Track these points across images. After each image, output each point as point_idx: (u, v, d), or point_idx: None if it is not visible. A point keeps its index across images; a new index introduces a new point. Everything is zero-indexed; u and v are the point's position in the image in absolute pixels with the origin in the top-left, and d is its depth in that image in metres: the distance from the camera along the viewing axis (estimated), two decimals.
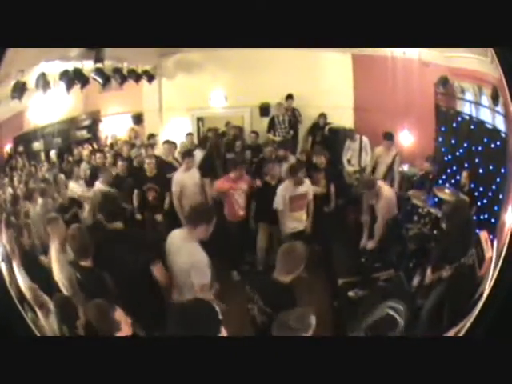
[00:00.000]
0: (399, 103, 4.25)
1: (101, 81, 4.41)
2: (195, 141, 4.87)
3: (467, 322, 3.33)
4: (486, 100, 3.99)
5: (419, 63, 4.13)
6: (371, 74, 4.54)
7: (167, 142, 4.83)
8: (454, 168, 4.45)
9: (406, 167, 4.75)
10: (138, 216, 4.74)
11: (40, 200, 4.37)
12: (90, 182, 4.69)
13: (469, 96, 4.27)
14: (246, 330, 3.93)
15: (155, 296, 4.11)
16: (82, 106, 4.73)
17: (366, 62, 4.41)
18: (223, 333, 2.99)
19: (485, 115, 4.07)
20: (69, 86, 4.29)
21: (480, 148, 4.24)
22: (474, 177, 4.27)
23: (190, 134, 4.85)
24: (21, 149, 4.36)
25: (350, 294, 4.41)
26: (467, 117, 4.32)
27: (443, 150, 4.54)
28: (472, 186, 4.25)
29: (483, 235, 3.80)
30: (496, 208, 3.80)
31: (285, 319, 3.33)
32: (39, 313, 3.68)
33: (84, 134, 4.90)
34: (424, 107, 4.46)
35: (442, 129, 4.52)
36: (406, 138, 4.46)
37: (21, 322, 3.34)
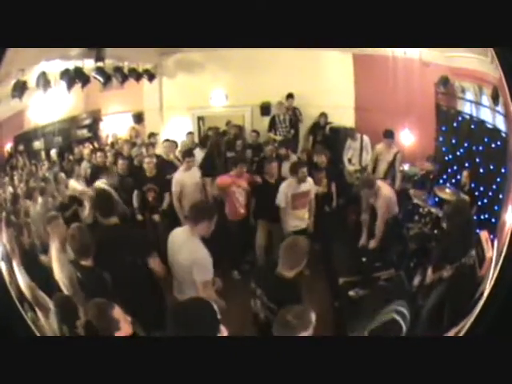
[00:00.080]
0: (400, 103, 4.25)
1: (102, 80, 4.42)
2: (196, 140, 4.87)
3: (468, 322, 3.33)
4: (486, 100, 3.99)
5: (420, 63, 4.14)
6: (372, 74, 4.54)
7: (167, 140, 4.84)
8: (455, 168, 4.46)
9: (406, 167, 4.75)
10: (139, 216, 4.74)
11: (40, 199, 4.37)
12: (90, 181, 4.69)
13: (469, 96, 4.27)
14: (247, 328, 3.94)
15: (154, 294, 4.12)
16: (83, 105, 4.74)
17: (367, 61, 4.41)
18: (223, 332, 2.98)
19: (485, 115, 4.07)
20: (69, 85, 4.29)
21: (480, 148, 4.24)
22: (475, 176, 4.27)
23: (190, 133, 4.86)
24: (21, 148, 4.35)
25: (351, 293, 4.41)
26: (468, 116, 4.32)
27: (444, 149, 4.54)
28: (472, 185, 4.26)
29: (484, 235, 3.80)
30: (496, 208, 3.80)
31: (285, 316, 3.33)
32: (39, 312, 3.68)
33: (85, 132, 4.90)
34: (425, 107, 4.46)
35: (443, 128, 4.52)
36: (407, 138, 4.46)
37: (21, 322, 3.34)
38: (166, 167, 4.79)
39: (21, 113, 4.21)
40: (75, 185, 4.61)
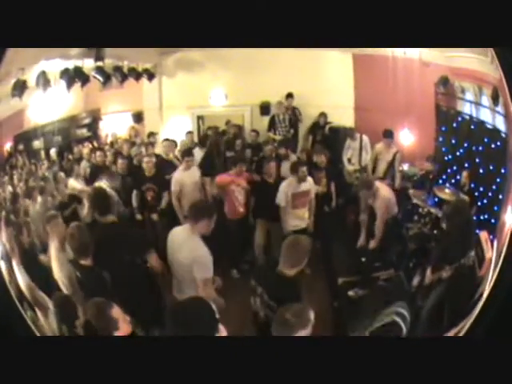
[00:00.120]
0: (400, 103, 4.25)
1: (101, 79, 4.41)
2: (195, 139, 4.86)
3: (467, 323, 3.34)
4: (486, 100, 3.99)
5: (420, 63, 4.13)
6: (372, 74, 4.53)
7: (167, 139, 4.83)
8: (454, 168, 4.45)
9: (406, 167, 4.75)
10: (139, 216, 4.74)
11: (39, 198, 4.37)
12: (89, 180, 4.69)
13: (469, 96, 4.26)
14: (246, 327, 3.94)
15: (154, 294, 4.13)
16: (83, 105, 4.73)
17: (367, 61, 4.40)
18: (221, 331, 2.99)
19: (485, 115, 4.07)
20: (69, 85, 4.28)
21: (480, 148, 4.24)
22: (474, 177, 4.27)
23: (190, 133, 4.84)
24: (21, 147, 4.35)
25: (350, 293, 4.41)
26: (467, 117, 4.32)
27: (443, 149, 4.54)
28: (472, 186, 4.26)
29: (483, 235, 3.81)
30: (496, 208, 3.80)
31: (284, 314, 3.34)
32: (38, 312, 3.69)
33: (84, 132, 4.89)
34: (424, 107, 4.46)
35: (443, 129, 4.52)
36: (407, 138, 4.45)
37: (21, 322, 3.35)
38: (165, 167, 4.78)
39: (21, 112, 4.21)
40: (74, 184, 4.61)
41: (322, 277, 4.49)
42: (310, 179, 4.60)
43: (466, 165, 4.35)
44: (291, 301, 3.46)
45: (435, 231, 4.38)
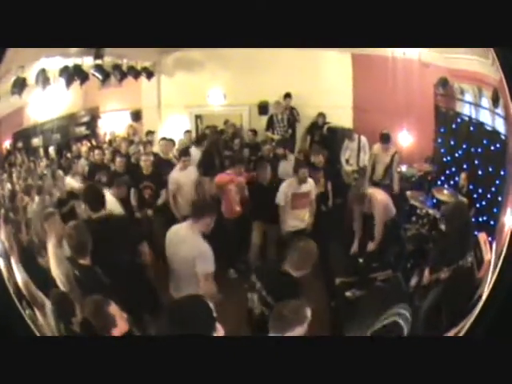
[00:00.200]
0: (399, 104, 4.24)
1: (100, 77, 4.40)
2: (193, 138, 4.86)
3: (467, 323, 3.34)
4: (485, 101, 3.99)
5: (419, 64, 4.12)
6: (371, 74, 4.52)
7: (164, 138, 4.83)
8: (453, 169, 4.45)
9: (404, 168, 4.74)
10: (138, 214, 4.75)
11: (37, 196, 4.37)
12: (88, 178, 4.70)
13: (468, 97, 4.26)
14: (243, 326, 3.95)
15: (151, 292, 4.13)
16: (81, 103, 4.73)
17: (366, 61, 4.39)
18: (218, 330, 2.98)
19: (484, 117, 4.07)
20: (68, 82, 4.27)
21: (479, 150, 4.24)
22: (473, 178, 4.27)
23: (188, 132, 4.84)
24: (20, 145, 4.35)
25: (348, 294, 4.41)
26: (467, 118, 4.32)
27: (442, 151, 4.54)
28: (471, 187, 4.25)
29: (482, 237, 3.81)
30: (495, 210, 3.80)
31: (281, 310, 3.36)
32: (36, 310, 3.69)
33: (83, 130, 4.88)
34: (423, 108, 4.45)
35: (442, 130, 4.52)
36: (405, 139, 4.45)
37: (20, 321, 3.35)
38: (162, 165, 4.79)
39: (20, 110, 4.21)
40: (72, 182, 4.60)
41: (320, 277, 4.49)
42: (310, 181, 4.59)
43: (465, 166, 4.35)
44: (289, 298, 3.48)
45: (433, 232, 4.38)
